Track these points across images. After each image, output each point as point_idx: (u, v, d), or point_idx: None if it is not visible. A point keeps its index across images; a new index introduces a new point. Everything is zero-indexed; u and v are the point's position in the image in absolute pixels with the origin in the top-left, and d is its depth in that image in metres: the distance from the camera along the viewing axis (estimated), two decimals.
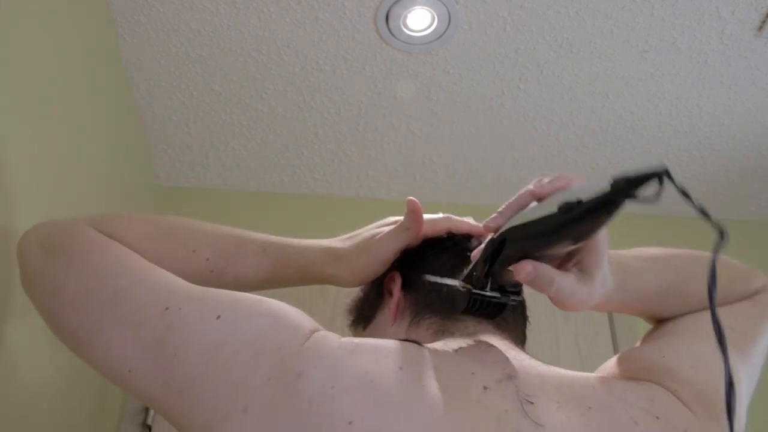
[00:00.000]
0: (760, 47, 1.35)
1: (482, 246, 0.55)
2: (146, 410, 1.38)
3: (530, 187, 0.53)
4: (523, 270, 0.50)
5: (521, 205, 0.53)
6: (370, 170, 1.68)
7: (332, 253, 0.68)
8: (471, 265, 0.57)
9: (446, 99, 1.48)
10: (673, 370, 0.56)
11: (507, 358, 0.54)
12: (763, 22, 1.30)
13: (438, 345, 0.56)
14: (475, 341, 0.57)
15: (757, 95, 1.46)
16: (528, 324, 0.68)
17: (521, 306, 0.67)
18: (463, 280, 0.57)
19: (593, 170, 1.68)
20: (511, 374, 0.52)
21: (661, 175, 0.41)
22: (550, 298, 0.53)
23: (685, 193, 0.42)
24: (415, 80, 1.44)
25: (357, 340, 0.52)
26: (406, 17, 1.30)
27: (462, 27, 1.32)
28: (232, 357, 0.49)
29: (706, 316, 0.62)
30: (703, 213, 0.42)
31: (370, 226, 0.71)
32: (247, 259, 0.66)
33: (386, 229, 0.68)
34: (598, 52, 1.37)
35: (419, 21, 1.31)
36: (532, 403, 0.50)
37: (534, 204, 0.53)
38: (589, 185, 0.46)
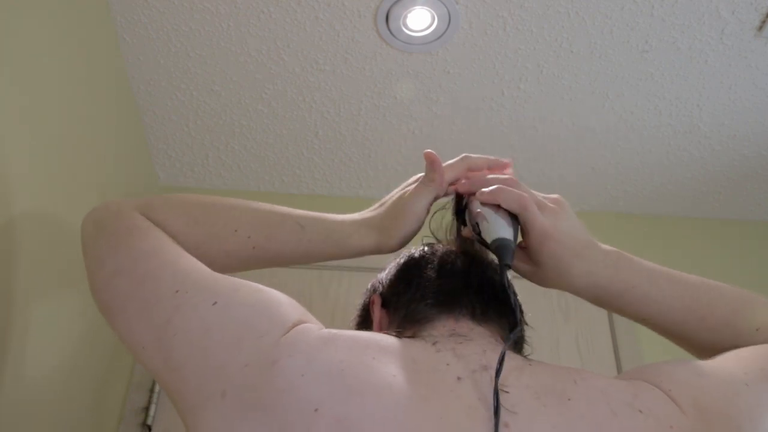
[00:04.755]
0: (760, 47, 1.35)
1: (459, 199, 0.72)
2: (146, 410, 1.38)
3: (482, 191, 0.66)
4: (464, 233, 0.70)
5: (473, 190, 0.68)
6: (370, 170, 1.68)
7: (366, 224, 0.71)
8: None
9: (446, 99, 1.48)
10: (675, 373, 0.56)
11: (484, 351, 0.56)
12: (763, 22, 1.30)
13: (417, 339, 0.57)
14: (453, 335, 0.59)
15: (757, 95, 1.46)
16: (524, 334, 0.69)
17: (508, 304, 0.68)
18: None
19: (593, 170, 1.68)
20: (486, 365, 0.53)
21: (503, 269, 0.60)
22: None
23: (509, 286, 0.60)
24: (415, 80, 1.44)
25: (336, 331, 0.53)
26: (406, 17, 1.30)
27: (462, 27, 1.32)
28: (217, 341, 0.51)
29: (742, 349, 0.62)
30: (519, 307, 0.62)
31: (396, 190, 0.75)
32: (286, 235, 0.68)
33: (407, 189, 0.72)
34: (598, 52, 1.37)
35: (419, 21, 1.31)
36: (507, 392, 0.50)
37: (477, 201, 0.68)
38: (500, 223, 0.63)
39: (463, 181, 0.71)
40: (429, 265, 0.69)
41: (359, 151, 1.63)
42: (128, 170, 1.48)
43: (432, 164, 0.70)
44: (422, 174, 0.72)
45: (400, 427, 0.46)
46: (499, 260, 0.61)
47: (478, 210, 0.66)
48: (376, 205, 0.74)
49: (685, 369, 0.57)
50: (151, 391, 1.40)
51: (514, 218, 0.64)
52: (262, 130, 1.57)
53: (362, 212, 0.73)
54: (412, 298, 0.66)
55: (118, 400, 1.39)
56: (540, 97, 1.47)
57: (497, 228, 0.63)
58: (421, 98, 1.48)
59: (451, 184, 0.72)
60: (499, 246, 0.61)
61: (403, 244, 0.71)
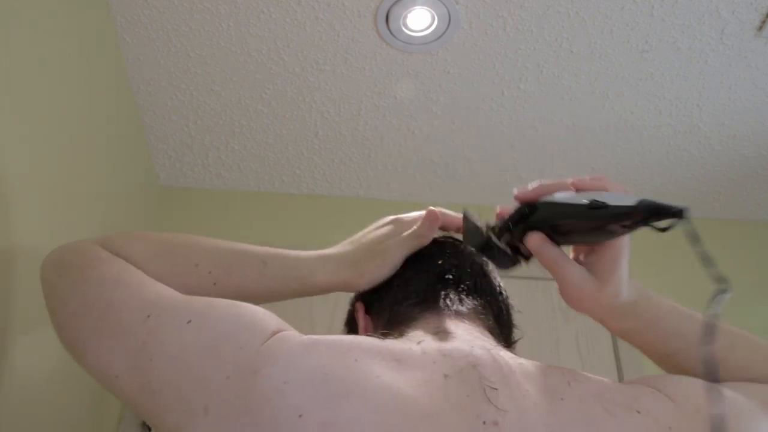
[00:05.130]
0: (760, 47, 1.35)
1: (520, 206, 0.60)
2: None
3: (571, 180, 0.58)
4: (533, 239, 0.58)
5: (556, 189, 0.59)
6: (370, 170, 1.68)
7: (336, 259, 0.70)
8: (499, 222, 0.62)
9: (446, 99, 1.48)
10: (680, 382, 0.55)
11: (471, 348, 0.55)
12: (763, 22, 1.30)
13: (402, 339, 0.57)
14: (438, 333, 0.58)
15: (757, 95, 1.46)
16: (511, 318, 0.69)
17: (495, 296, 0.68)
18: (489, 229, 0.63)
19: (593, 170, 1.68)
20: (474, 363, 0.52)
21: (680, 214, 0.47)
22: (560, 289, 0.60)
23: (695, 237, 0.46)
24: (415, 80, 1.44)
25: (317, 336, 0.52)
26: (406, 17, 1.30)
27: (462, 27, 1.32)
28: (196, 358, 0.50)
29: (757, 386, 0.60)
30: (707, 260, 0.45)
31: (368, 229, 0.73)
32: (248, 271, 0.67)
33: (388, 230, 0.70)
34: (598, 52, 1.37)
35: (419, 21, 1.31)
36: (495, 389, 0.50)
37: (570, 193, 0.58)
38: (620, 195, 0.53)
39: (533, 186, 0.62)
40: (407, 265, 0.69)
41: (359, 151, 1.63)
42: (128, 170, 1.48)
43: (432, 223, 0.68)
44: (394, 218, 0.72)
45: (388, 428, 0.45)
46: (670, 212, 0.48)
47: (570, 200, 0.56)
48: (345, 242, 0.73)
49: (691, 380, 0.56)
50: None
51: None
52: (262, 130, 1.57)
53: (331, 248, 0.72)
54: (394, 300, 0.66)
55: (118, 400, 1.39)
56: (540, 97, 1.47)
57: (622, 196, 0.53)
58: (421, 98, 1.48)
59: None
60: (649, 203, 0.50)
61: (371, 285, 0.69)
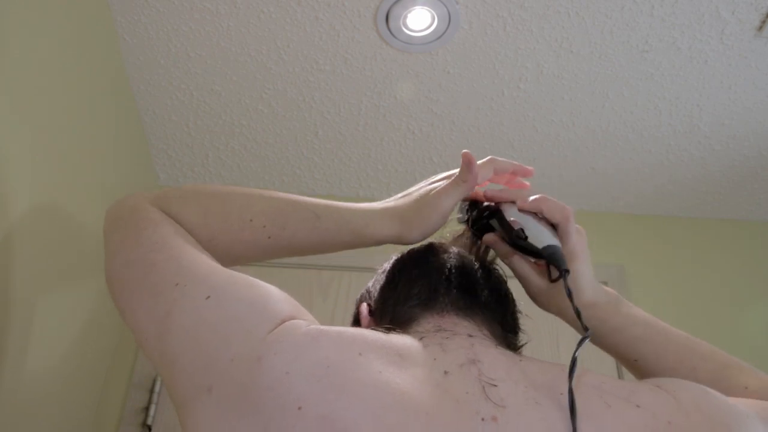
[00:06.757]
0: (760, 47, 1.35)
1: (484, 205, 0.73)
2: (146, 410, 1.38)
3: (525, 198, 0.68)
4: (487, 238, 0.71)
5: (512, 198, 0.69)
6: (370, 170, 1.68)
7: (388, 213, 0.70)
8: (476, 208, 0.74)
9: (446, 99, 1.48)
10: (681, 383, 0.55)
11: (471, 344, 0.55)
12: (763, 22, 1.30)
13: (403, 335, 0.57)
14: (439, 330, 0.59)
15: (757, 95, 1.46)
16: (517, 322, 0.69)
17: (498, 298, 0.69)
18: (466, 212, 0.75)
19: (593, 170, 1.68)
20: (474, 359, 0.53)
21: (565, 273, 0.63)
22: (524, 287, 0.71)
23: (569, 292, 0.61)
24: (415, 80, 1.44)
25: (323, 327, 0.52)
26: (406, 17, 1.30)
27: (462, 27, 1.32)
28: (207, 335, 0.51)
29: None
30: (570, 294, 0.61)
31: (421, 183, 0.73)
32: (301, 224, 0.67)
33: (440, 184, 0.71)
34: (598, 52, 1.37)
35: (419, 21, 1.31)
36: (495, 386, 0.50)
37: (517, 213, 0.69)
38: (542, 231, 0.66)
39: (484, 188, 0.72)
40: (410, 267, 0.69)
41: (359, 151, 1.63)
42: (128, 170, 1.48)
43: (468, 165, 0.69)
44: (453, 171, 0.71)
45: (386, 424, 0.45)
46: (558, 266, 0.63)
47: (512, 218, 0.67)
48: (400, 195, 0.73)
49: (692, 383, 0.57)
50: (151, 391, 1.40)
51: (553, 228, 0.66)
52: (262, 130, 1.57)
53: (384, 201, 0.72)
54: (396, 302, 0.66)
55: (118, 400, 1.39)
56: (540, 97, 1.47)
57: (545, 235, 0.65)
58: (421, 98, 1.48)
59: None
60: (553, 253, 0.63)
61: (423, 237, 0.70)
